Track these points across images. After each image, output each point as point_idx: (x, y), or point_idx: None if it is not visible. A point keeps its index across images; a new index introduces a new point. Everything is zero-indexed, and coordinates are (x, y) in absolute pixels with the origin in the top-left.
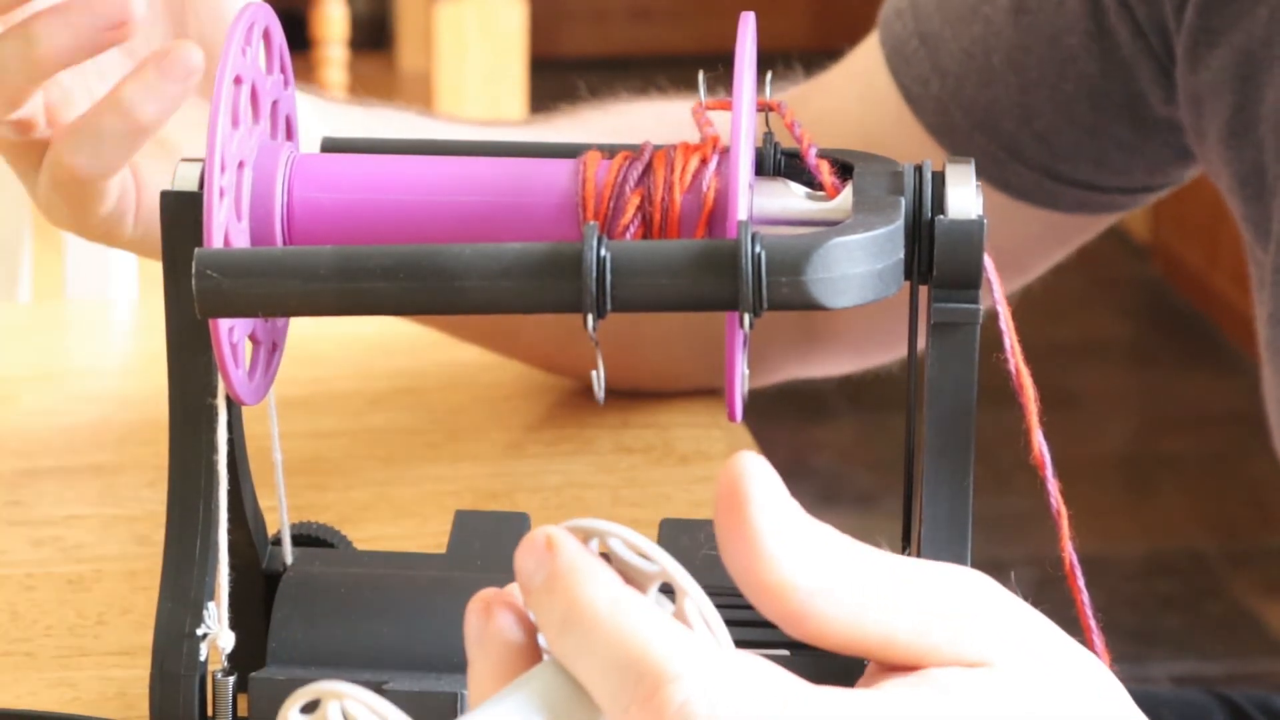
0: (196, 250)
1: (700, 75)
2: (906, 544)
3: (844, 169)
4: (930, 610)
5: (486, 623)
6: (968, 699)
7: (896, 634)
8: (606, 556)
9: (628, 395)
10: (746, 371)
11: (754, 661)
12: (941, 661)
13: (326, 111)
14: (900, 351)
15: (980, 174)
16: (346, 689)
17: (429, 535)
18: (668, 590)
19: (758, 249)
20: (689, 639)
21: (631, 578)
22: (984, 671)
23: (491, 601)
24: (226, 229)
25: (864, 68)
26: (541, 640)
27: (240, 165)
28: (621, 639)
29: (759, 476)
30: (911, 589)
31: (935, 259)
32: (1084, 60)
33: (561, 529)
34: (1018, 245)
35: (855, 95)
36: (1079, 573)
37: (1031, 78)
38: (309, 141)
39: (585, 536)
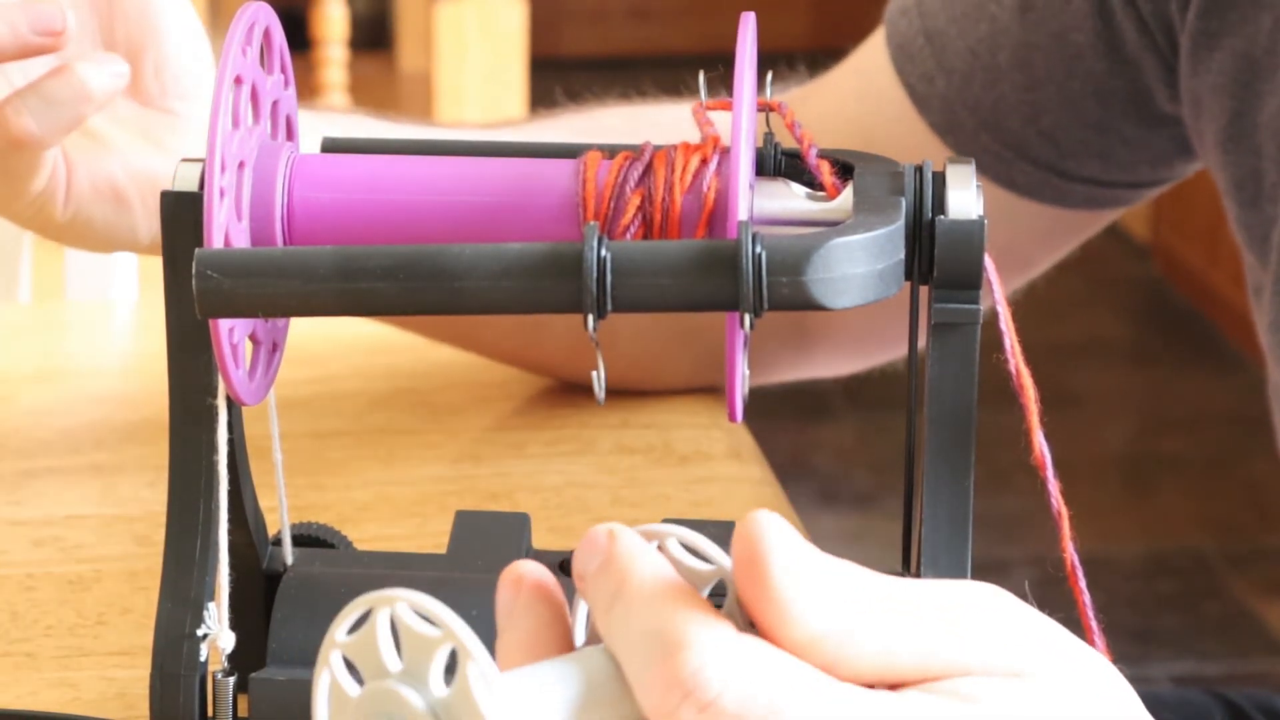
0: (197, 250)
1: (700, 75)
2: (907, 544)
3: (844, 169)
4: (958, 635)
5: (517, 595)
6: (994, 707)
7: (929, 663)
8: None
9: (628, 395)
10: (747, 372)
11: (777, 651)
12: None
13: (321, 125)
14: (897, 351)
15: (986, 172)
16: (397, 593)
17: (429, 535)
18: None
19: (758, 249)
20: (718, 619)
21: (687, 577)
22: (1008, 680)
23: (524, 576)
24: (226, 229)
25: (867, 67)
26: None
27: (240, 165)
28: (654, 611)
29: (774, 535)
30: (937, 617)
31: (936, 259)
32: (1090, 57)
33: (622, 525)
34: (1023, 242)
35: (858, 94)
36: (1080, 573)
37: (1038, 75)
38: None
39: (648, 539)
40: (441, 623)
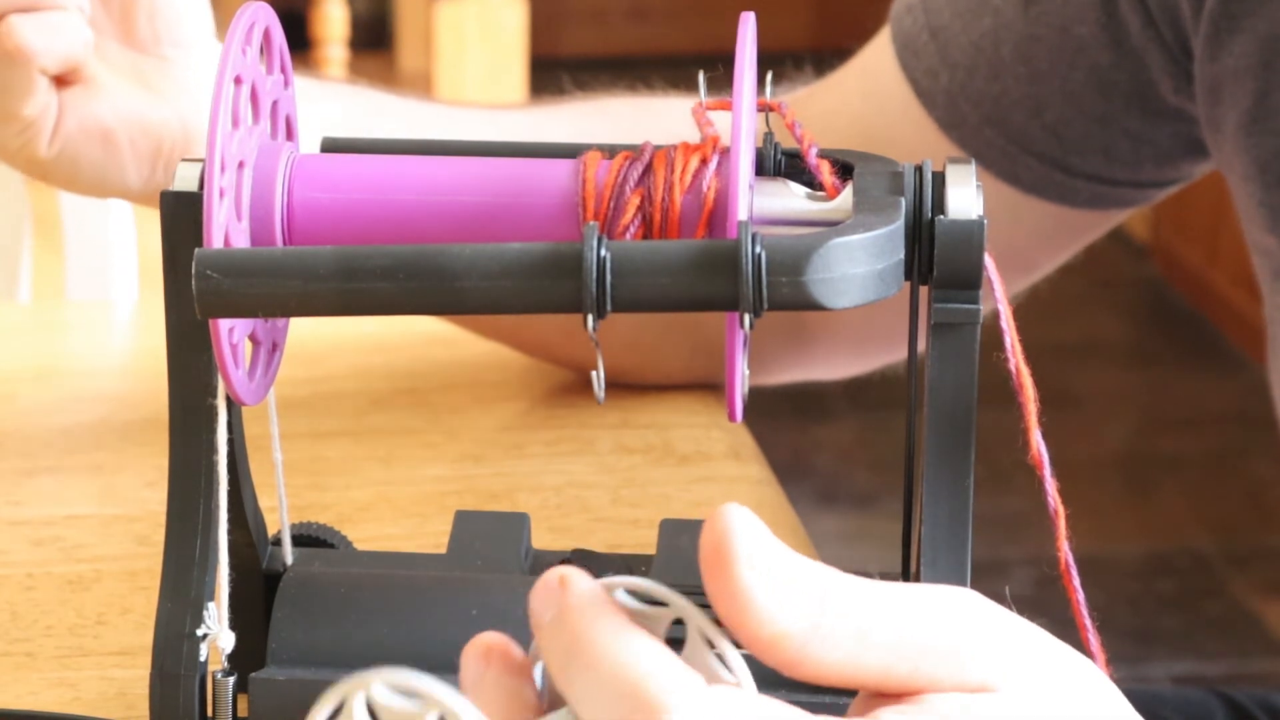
0: (197, 250)
1: (700, 75)
2: (907, 544)
3: (844, 169)
4: (927, 640)
5: (485, 669)
6: None
7: (895, 667)
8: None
9: (628, 394)
10: (747, 372)
11: (753, 697)
12: (942, 689)
13: (324, 94)
14: (898, 353)
15: (990, 168)
16: (371, 675)
17: (429, 535)
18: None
19: (758, 249)
20: (685, 673)
21: (644, 624)
22: (986, 697)
23: (491, 647)
24: (226, 229)
25: (872, 66)
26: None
27: (240, 165)
28: (618, 670)
29: (742, 530)
30: (908, 619)
31: (935, 259)
32: (1094, 49)
33: (575, 570)
34: (1026, 242)
35: (862, 91)
36: (1074, 572)
37: (1041, 68)
38: (307, 132)
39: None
40: (423, 693)
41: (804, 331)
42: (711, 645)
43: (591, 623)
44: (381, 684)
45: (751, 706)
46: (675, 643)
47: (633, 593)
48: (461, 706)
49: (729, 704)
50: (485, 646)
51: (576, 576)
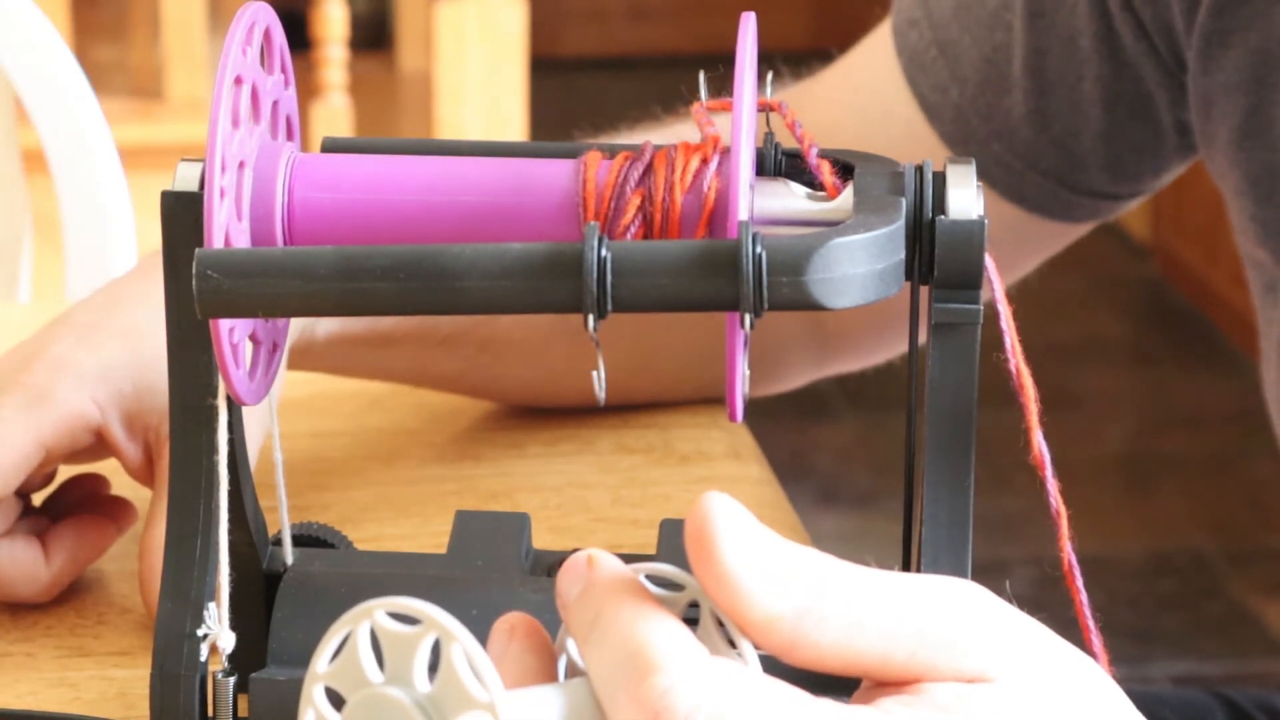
0: (197, 250)
1: (700, 75)
2: (907, 544)
3: (845, 169)
4: (926, 626)
5: (509, 644)
6: (967, 717)
7: (893, 653)
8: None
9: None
10: (747, 372)
11: (754, 673)
12: (940, 678)
13: None
14: (903, 349)
15: (995, 185)
16: (373, 603)
17: (429, 535)
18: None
19: (758, 249)
20: (690, 643)
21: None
22: (983, 687)
23: (516, 625)
24: (227, 229)
25: (865, 81)
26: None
27: (240, 165)
28: (627, 635)
29: (724, 515)
30: (905, 606)
31: (936, 259)
32: (1095, 61)
33: (602, 550)
34: (1026, 258)
35: (857, 106)
36: (1077, 573)
37: (1049, 80)
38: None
39: None
40: (422, 615)
41: (825, 340)
42: (723, 626)
43: (614, 596)
44: (383, 612)
45: (749, 681)
46: (691, 623)
47: (651, 578)
48: (456, 627)
49: (726, 675)
50: (510, 624)
51: (603, 556)
